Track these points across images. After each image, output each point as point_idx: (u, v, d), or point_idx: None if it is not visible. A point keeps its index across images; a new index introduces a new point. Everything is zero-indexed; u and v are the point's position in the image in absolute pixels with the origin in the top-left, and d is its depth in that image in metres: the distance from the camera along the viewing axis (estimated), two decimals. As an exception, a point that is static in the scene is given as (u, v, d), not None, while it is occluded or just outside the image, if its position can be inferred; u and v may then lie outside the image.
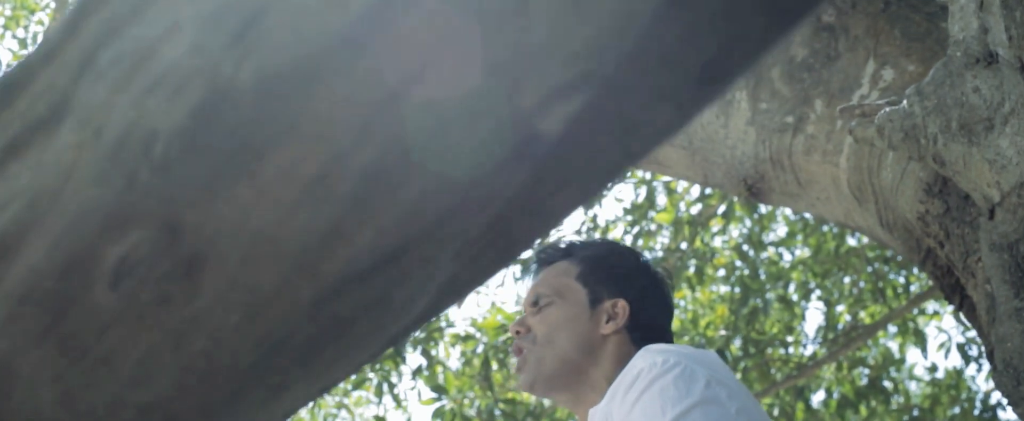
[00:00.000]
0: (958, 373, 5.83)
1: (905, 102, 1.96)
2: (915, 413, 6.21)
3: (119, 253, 0.43)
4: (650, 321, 1.90)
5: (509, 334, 1.96)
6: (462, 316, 7.80)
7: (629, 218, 5.85)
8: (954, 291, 2.32)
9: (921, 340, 5.61)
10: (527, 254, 1.97)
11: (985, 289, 2.09)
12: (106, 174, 0.42)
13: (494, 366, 5.91)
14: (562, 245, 1.97)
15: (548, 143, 0.40)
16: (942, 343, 6.36)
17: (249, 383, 0.45)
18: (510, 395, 6.01)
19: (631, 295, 1.90)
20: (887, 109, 1.99)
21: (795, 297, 6.08)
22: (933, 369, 6.85)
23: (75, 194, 0.43)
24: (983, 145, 1.86)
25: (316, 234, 0.42)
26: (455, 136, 0.39)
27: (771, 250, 6.50)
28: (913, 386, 8.12)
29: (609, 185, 0.45)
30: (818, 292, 6.04)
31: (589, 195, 0.45)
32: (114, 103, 0.42)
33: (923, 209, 2.24)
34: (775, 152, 2.50)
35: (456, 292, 0.45)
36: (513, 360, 1.88)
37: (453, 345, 6.58)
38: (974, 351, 5.71)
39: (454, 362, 6.66)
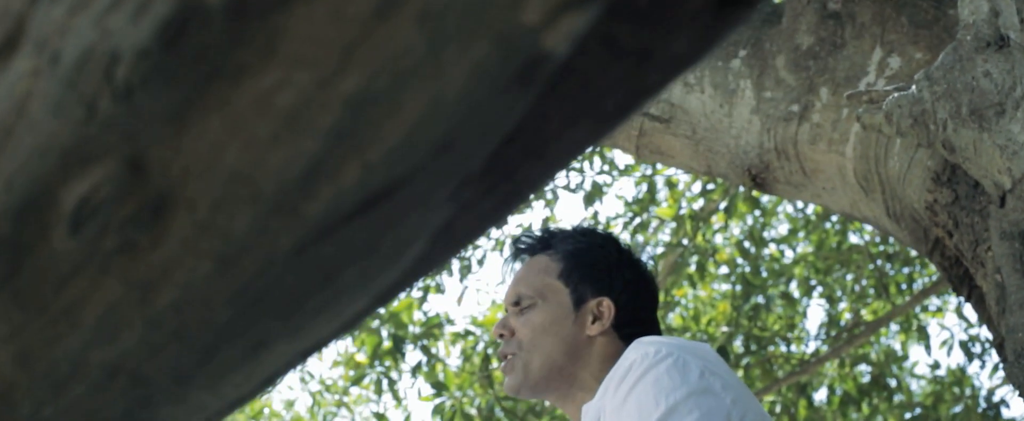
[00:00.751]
0: (962, 370, 5.78)
1: (914, 87, 1.92)
2: (917, 411, 6.17)
3: (79, 194, 0.39)
4: (636, 315, 1.86)
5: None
6: (462, 314, 7.76)
7: (630, 213, 5.81)
8: (962, 282, 2.28)
9: (924, 337, 5.56)
10: (515, 242, 1.92)
11: (995, 279, 2.05)
12: (64, 103, 0.38)
13: (494, 364, 5.87)
14: (541, 233, 1.91)
15: (554, 66, 0.36)
16: (944, 340, 6.32)
17: (224, 340, 0.41)
18: (510, 392, 5.97)
19: (616, 292, 1.85)
20: (895, 95, 1.95)
21: (797, 294, 6.04)
22: (935, 366, 6.81)
23: (30, 128, 0.39)
24: (994, 130, 1.82)
25: (296, 172, 0.38)
26: (450, 55, 0.35)
27: (772, 247, 6.46)
28: (915, 384, 8.08)
29: (621, 122, 0.41)
30: (820, 289, 6.00)
31: (599, 134, 0.41)
32: (72, 25, 0.38)
33: (931, 198, 2.20)
34: (780, 141, 2.45)
35: (453, 240, 0.41)
36: (500, 364, 1.84)
37: (453, 343, 6.54)
38: (977, 348, 5.67)
39: (454, 361, 6.62)
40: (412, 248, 0.40)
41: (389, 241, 0.39)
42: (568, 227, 1.93)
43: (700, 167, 2.63)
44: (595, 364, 1.78)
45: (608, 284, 1.85)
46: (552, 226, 1.93)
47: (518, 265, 1.91)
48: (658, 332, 1.87)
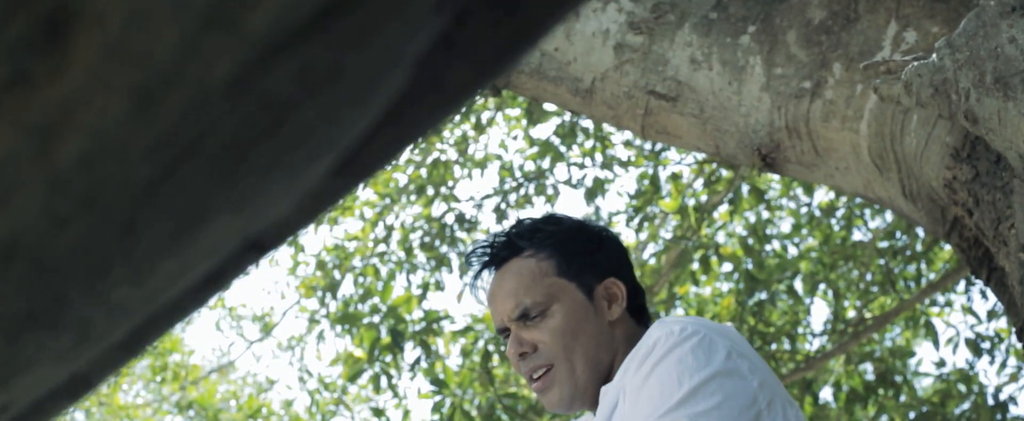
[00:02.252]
0: (971, 365, 5.69)
1: (935, 55, 1.83)
2: (924, 409, 6.07)
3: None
4: (636, 287, 1.77)
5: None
6: (462, 312, 7.66)
7: (631, 208, 5.72)
8: (982, 263, 2.19)
9: (932, 332, 5.47)
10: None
11: (1018, 258, 1.95)
12: None
13: (495, 362, 5.78)
14: (503, 237, 1.76)
15: None
16: (950, 338, 6.24)
17: (148, 210, 0.32)
18: (511, 390, 5.87)
19: (616, 269, 1.75)
20: (915, 64, 1.86)
21: (800, 291, 5.95)
22: (941, 364, 6.72)
23: None
24: (1019, 100, 1.73)
25: (234, -28, 0.29)
26: None
27: (776, 244, 6.37)
28: (920, 383, 8.00)
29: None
30: (825, 284, 5.91)
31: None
32: None
33: (950, 175, 2.11)
34: (791, 119, 2.36)
35: (444, 77, 0.32)
36: (531, 383, 1.72)
37: (453, 342, 6.45)
38: (986, 344, 5.59)
39: (454, 361, 6.52)
40: (387, 80, 0.30)
41: (356, 68, 0.30)
42: (525, 224, 1.78)
43: (708, 147, 2.53)
44: (620, 349, 1.70)
45: (606, 265, 1.75)
46: (508, 228, 1.79)
47: (485, 278, 1.76)
48: (645, 310, 1.79)
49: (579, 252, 1.75)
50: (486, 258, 1.77)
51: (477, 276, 1.79)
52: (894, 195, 2.32)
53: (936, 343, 5.40)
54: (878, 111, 2.25)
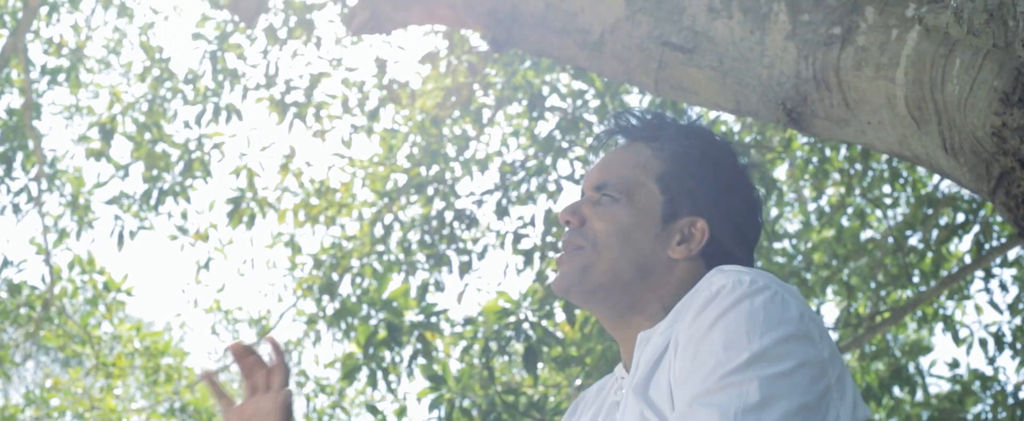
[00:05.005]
0: (991, 360, 5.48)
1: (989, -23, 1.63)
2: (936, 404, 5.87)
3: None
4: (731, 249, 1.54)
5: (560, 229, 1.58)
6: (462, 314, 7.45)
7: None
8: (1032, 222, 1.99)
9: (950, 325, 5.26)
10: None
11: (1079, 209, 1.76)
12: None
13: (495, 360, 5.58)
14: (651, 118, 1.60)
15: None
16: (964, 337, 6.04)
17: None
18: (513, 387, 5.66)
19: (716, 216, 1.54)
20: (966, -11, 1.67)
21: (810, 284, 5.75)
22: (954, 364, 6.52)
23: None
24: (1087, 23, 1.54)
25: None
26: None
27: (786, 243, 6.18)
28: (934, 386, 7.80)
29: None
30: (833, 284, 5.71)
31: None
32: None
33: (999, 122, 1.91)
34: (819, 69, 2.17)
35: None
36: (557, 253, 1.55)
37: (453, 344, 6.25)
38: (1008, 337, 5.38)
39: (454, 364, 6.32)
40: None
41: None
42: (682, 121, 1.61)
43: (727, 104, 2.33)
44: (667, 289, 1.50)
45: (710, 204, 1.54)
46: (666, 114, 1.62)
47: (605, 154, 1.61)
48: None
49: (689, 175, 1.55)
50: (622, 126, 1.62)
51: (607, 138, 1.65)
52: (932, 150, 2.12)
53: (956, 336, 5.20)
54: (916, 57, 2.05)
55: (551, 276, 6.26)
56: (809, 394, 1.28)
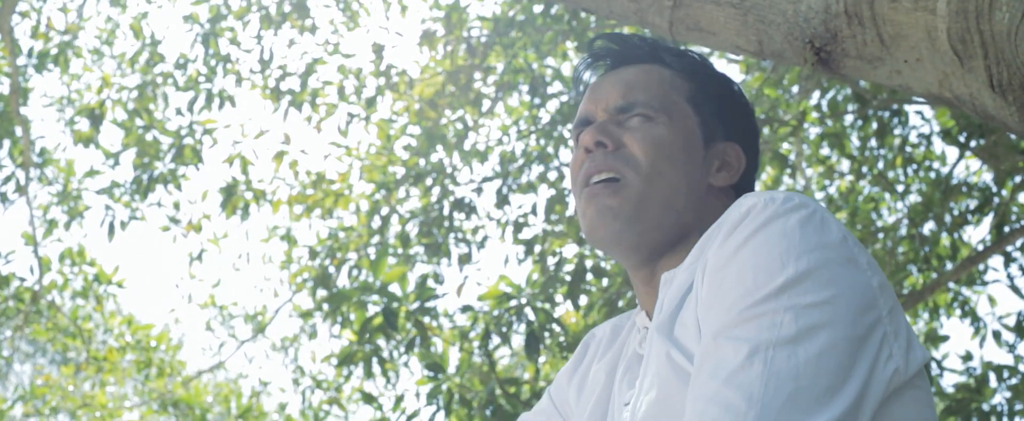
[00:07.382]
0: (1011, 347, 5.29)
1: None
2: (951, 396, 5.68)
3: None
4: (752, 179, 1.41)
5: (586, 146, 1.36)
6: (461, 305, 7.27)
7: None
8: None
9: (970, 311, 5.08)
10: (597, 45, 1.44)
11: None
12: None
13: (495, 353, 5.39)
14: (647, 40, 1.42)
15: None
16: (978, 329, 5.86)
17: None
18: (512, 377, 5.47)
19: (746, 142, 1.40)
20: None
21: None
22: (968, 357, 6.33)
23: None
24: None
25: None
26: None
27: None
28: (946, 380, 7.61)
29: None
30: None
31: None
32: None
33: (1056, 51, 1.72)
34: (851, 2, 1.97)
35: None
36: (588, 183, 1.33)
37: (453, 343, 6.05)
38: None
39: (454, 355, 6.14)
40: None
41: None
42: (671, 43, 1.47)
43: (749, 44, 2.14)
44: (707, 223, 1.28)
45: (740, 130, 1.40)
46: (661, 41, 1.45)
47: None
48: None
49: (718, 97, 1.40)
50: (616, 51, 1.42)
51: (592, 64, 1.45)
52: (978, 89, 1.93)
53: (975, 319, 5.01)
54: (960, -16, 1.86)
55: (551, 262, 6.10)
56: (855, 326, 1.07)
